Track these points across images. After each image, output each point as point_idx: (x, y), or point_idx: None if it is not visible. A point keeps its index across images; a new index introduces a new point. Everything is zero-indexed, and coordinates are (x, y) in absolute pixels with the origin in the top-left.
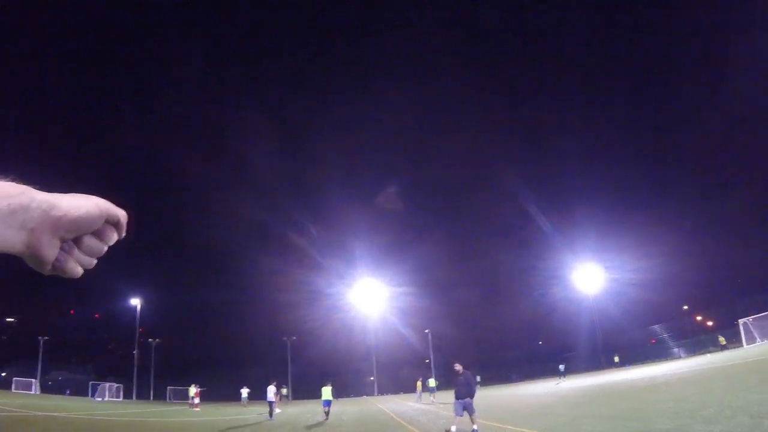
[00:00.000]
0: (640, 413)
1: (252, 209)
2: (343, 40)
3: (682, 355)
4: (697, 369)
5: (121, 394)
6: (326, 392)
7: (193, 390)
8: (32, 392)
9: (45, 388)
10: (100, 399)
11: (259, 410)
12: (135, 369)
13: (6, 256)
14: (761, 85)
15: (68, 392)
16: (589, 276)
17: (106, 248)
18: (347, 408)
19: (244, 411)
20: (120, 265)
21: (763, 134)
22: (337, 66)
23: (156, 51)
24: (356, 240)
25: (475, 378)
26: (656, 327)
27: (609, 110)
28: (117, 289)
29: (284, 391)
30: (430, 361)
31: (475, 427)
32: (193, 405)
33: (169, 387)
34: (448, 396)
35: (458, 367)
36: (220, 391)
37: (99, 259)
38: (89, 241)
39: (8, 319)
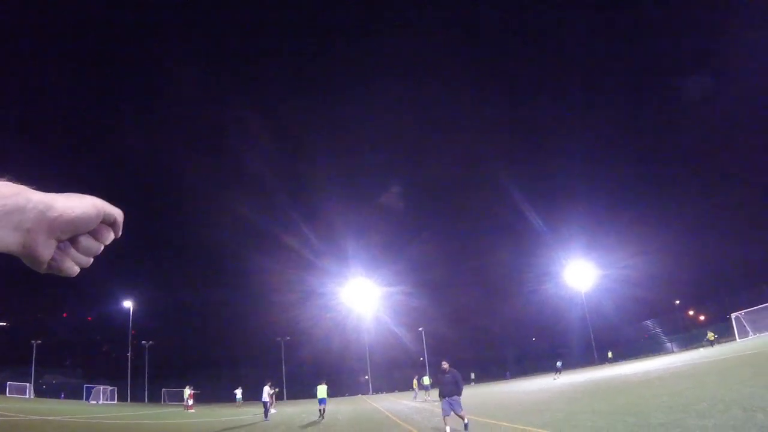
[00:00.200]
0: (636, 408)
1: (246, 210)
2: (343, 40)
3: (675, 349)
4: (690, 363)
5: (116, 396)
6: (321, 391)
7: (187, 392)
8: (26, 396)
9: (39, 392)
10: (94, 402)
11: (254, 411)
12: (129, 371)
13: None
14: (754, 85)
15: (63, 395)
16: (582, 273)
17: (102, 248)
18: (342, 407)
19: (239, 412)
20: (112, 266)
21: (760, 132)
22: (337, 66)
23: (155, 51)
24: (350, 239)
25: (462, 376)
26: (649, 322)
27: (602, 110)
28: (109, 291)
29: (276, 390)
30: (424, 359)
31: (465, 421)
32: (187, 407)
33: (164, 389)
34: None
35: (445, 365)
36: (214, 393)
37: (95, 258)
38: (85, 240)
39: (0, 323)
